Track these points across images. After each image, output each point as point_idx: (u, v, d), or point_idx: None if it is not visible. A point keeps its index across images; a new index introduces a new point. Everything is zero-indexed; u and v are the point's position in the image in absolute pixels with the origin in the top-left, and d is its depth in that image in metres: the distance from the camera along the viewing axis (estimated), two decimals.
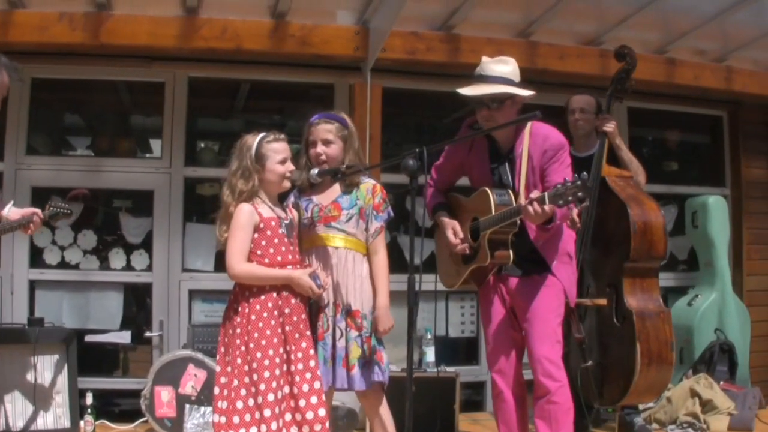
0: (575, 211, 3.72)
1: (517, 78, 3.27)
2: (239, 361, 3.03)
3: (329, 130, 3.30)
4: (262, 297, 3.07)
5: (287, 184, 3.22)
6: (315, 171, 3.26)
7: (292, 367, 3.05)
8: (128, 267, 5.06)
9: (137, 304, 5.21)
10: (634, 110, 5.69)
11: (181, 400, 4.11)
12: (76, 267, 5.00)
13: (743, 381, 5.08)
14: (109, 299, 5.03)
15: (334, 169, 3.24)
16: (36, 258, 4.93)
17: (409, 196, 2.84)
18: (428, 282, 3.54)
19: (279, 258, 3.12)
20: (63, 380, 4.13)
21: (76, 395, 4.15)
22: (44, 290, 4.92)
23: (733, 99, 5.87)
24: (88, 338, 4.87)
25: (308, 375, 3.07)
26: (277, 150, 3.16)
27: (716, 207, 5.52)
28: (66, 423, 4.09)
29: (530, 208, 2.95)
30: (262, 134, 3.18)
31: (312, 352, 3.12)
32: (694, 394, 4.44)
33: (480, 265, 3.30)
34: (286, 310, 3.09)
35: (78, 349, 4.82)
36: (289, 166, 3.19)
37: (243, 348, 3.03)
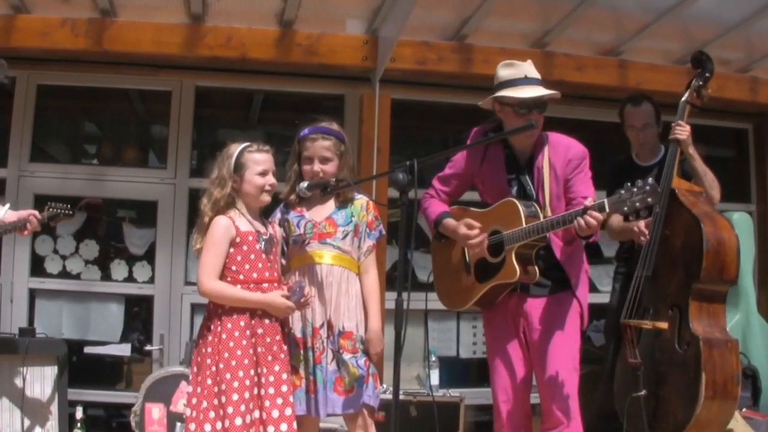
0: (642, 223, 3.45)
1: None
2: (209, 381, 2.88)
3: (327, 147, 3.16)
4: (235, 316, 2.93)
5: (266, 198, 3.07)
6: (304, 184, 3.13)
7: (262, 391, 2.90)
8: (130, 278, 4.99)
9: (138, 316, 5.12)
10: None
11: (173, 418, 3.98)
12: (77, 277, 4.94)
13: (767, 408, 4.83)
14: (110, 311, 4.95)
15: (324, 183, 3.11)
16: (37, 266, 4.87)
17: (411, 210, 2.67)
18: (436, 300, 3.42)
19: (255, 275, 2.98)
20: (53, 392, 4.03)
21: (66, 408, 4.06)
22: (44, 299, 4.86)
23: (758, 111, 5.66)
24: (88, 350, 4.80)
25: (279, 400, 2.91)
26: (257, 161, 3.02)
27: (741, 223, 5.27)
28: None
29: (588, 217, 2.74)
30: (245, 143, 3.05)
31: (285, 376, 2.96)
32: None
33: (505, 281, 3.07)
34: (259, 331, 2.95)
35: (77, 361, 4.77)
36: (270, 179, 3.05)
37: (213, 368, 2.89)
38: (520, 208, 3.03)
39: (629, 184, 2.66)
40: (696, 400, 3.33)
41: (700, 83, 3.77)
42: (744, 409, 4.50)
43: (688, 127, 3.74)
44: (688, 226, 3.54)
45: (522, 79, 3.10)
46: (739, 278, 5.10)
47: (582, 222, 2.75)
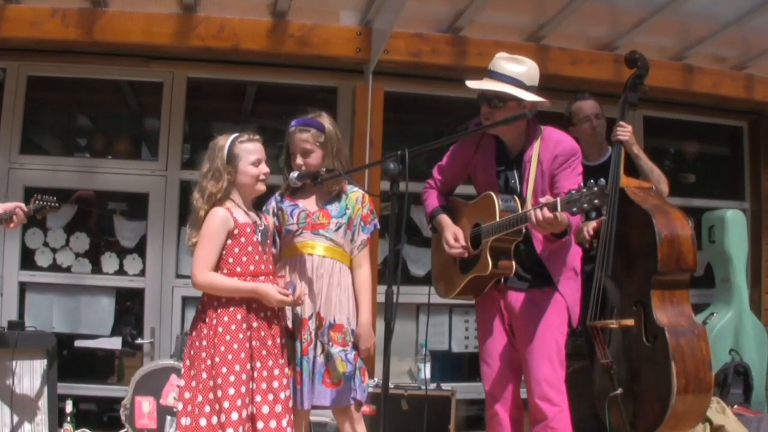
0: (592, 225, 3.57)
1: (529, 81, 3.09)
2: (204, 375, 2.84)
3: (306, 140, 3.13)
4: (231, 308, 2.89)
5: (261, 187, 3.04)
6: (294, 175, 3.11)
7: (254, 386, 2.86)
8: (121, 271, 4.95)
9: (131, 310, 5.09)
10: (650, 119, 5.50)
11: (163, 412, 3.95)
12: (67, 270, 4.90)
13: (759, 405, 4.84)
14: (101, 304, 4.92)
15: (313, 173, 3.08)
16: (27, 259, 4.83)
17: (402, 202, 2.64)
18: (435, 295, 3.41)
19: (252, 267, 2.95)
20: (43, 386, 3.99)
21: (56, 402, 4.02)
22: (34, 293, 4.83)
23: (753, 109, 5.65)
24: (78, 343, 4.76)
25: (270, 396, 2.88)
26: (250, 150, 2.99)
27: (734, 221, 5.30)
28: (44, 431, 3.95)
29: (539, 213, 2.75)
30: (235, 134, 3.02)
31: (277, 372, 2.93)
32: (704, 419, 4.19)
33: (479, 274, 3.10)
34: (255, 324, 2.91)
35: (68, 355, 4.74)
36: (264, 168, 3.02)
37: (209, 362, 2.85)
38: (496, 202, 3.04)
39: (582, 183, 2.69)
40: (670, 391, 3.34)
41: (637, 82, 3.82)
42: (735, 406, 4.51)
43: (629, 127, 3.79)
44: (640, 222, 3.56)
45: (486, 71, 3.12)
46: (732, 276, 5.20)
47: (533, 218, 2.78)
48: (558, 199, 2.73)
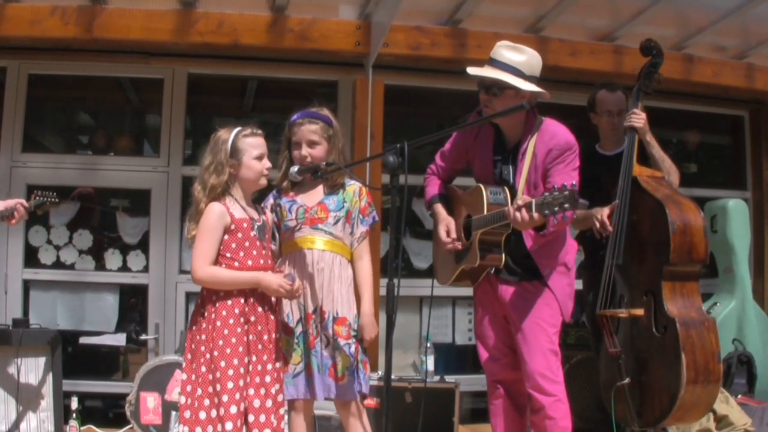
0: (605, 212, 3.54)
1: (529, 71, 3.07)
2: (204, 369, 2.86)
3: (314, 131, 3.13)
4: (229, 302, 2.90)
5: (264, 182, 3.04)
6: (295, 169, 3.11)
7: (248, 379, 2.88)
8: (124, 268, 4.97)
9: (135, 306, 5.10)
10: (651, 109, 5.40)
11: (168, 407, 3.96)
12: (71, 267, 4.92)
13: (762, 394, 4.83)
14: (105, 300, 4.94)
15: (314, 167, 3.08)
16: (31, 257, 4.86)
17: (401, 194, 2.64)
18: (437, 287, 3.40)
19: (250, 262, 2.95)
20: (47, 383, 4.01)
21: (61, 399, 4.03)
22: (38, 290, 4.85)
23: (754, 98, 5.64)
24: (83, 340, 4.78)
25: (262, 391, 2.89)
26: (254, 145, 2.98)
27: (736, 211, 5.30)
28: (50, 427, 3.97)
29: (517, 214, 2.78)
30: (237, 128, 3.01)
31: (270, 367, 2.93)
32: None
33: (468, 266, 3.14)
34: (252, 318, 2.92)
35: (73, 352, 4.76)
36: (266, 163, 3.02)
37: (208, 356, 2.86)
38: (485, 195, 3.06)
39: (555, 186, 2.70)
40: (679, 382, 3.34)
41: (652, 70, 3.81)
42: (739, 396, 4.51)
43: (643, 115, 3.77)
44: (653, 211, 3.55)
45: (488, 59, 3.12)
46: (735, 265, 5.20)
47: (510, 218, 2.81)
48: (533, 201, 2.74)
